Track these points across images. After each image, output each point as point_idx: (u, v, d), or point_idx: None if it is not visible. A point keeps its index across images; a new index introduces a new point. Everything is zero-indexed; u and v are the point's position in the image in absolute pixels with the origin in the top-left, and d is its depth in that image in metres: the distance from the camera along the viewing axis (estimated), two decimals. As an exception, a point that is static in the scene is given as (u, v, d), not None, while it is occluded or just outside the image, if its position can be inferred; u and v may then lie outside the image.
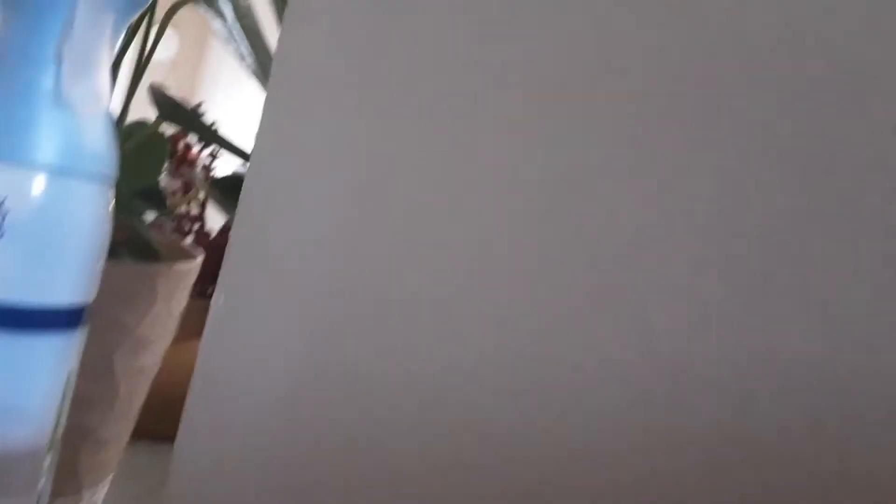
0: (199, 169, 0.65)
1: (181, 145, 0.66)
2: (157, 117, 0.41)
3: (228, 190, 0.44)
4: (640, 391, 0.20)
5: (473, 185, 0.22)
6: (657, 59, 0.20)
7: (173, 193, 0.67)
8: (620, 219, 0.20)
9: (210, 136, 0.40)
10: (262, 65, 0.38)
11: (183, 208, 0.67)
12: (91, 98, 0.30)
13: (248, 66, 0.37)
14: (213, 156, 0.65)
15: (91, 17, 0.30)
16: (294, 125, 0.26)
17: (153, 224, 0.52)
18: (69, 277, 0.31)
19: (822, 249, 0.19)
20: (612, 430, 0.20)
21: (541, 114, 0.21)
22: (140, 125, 0.48)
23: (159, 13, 0.40)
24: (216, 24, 0.37)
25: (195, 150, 0.67)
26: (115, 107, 0.38)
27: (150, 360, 0.44)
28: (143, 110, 0.47)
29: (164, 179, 0.61)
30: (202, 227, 0.66)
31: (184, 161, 0.66)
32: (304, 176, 0.26)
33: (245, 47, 0.36)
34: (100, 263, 0.34)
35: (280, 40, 0.25)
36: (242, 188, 0.26)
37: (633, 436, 0.20)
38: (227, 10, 0.37)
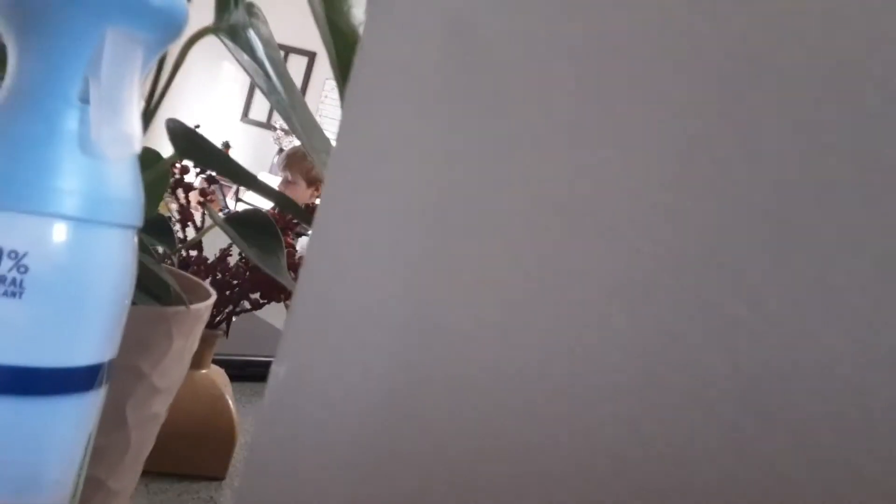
0: (196, 195, 0.63)
1: (177, 167, 0.63)
2: (175, 153, 0.39)
3: (246, 227, 0.42)
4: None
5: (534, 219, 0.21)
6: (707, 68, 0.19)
7: (169, 219, 0.64)
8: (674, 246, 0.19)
9: (233, 172, 0.37)
10: (290, 98, 0.35)
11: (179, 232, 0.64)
12: (121, 141, 0.28)
13: (274, 101, 0.35)
14: (212, 179, 0.63)
15: (120, 52, 0.28)
16: (361, 185, 0.24)
17: (160, 256, 0.50)
18: (93, 335, 0.29)
19: (852, 261, 0.18)
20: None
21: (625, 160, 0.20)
22: (150, 155, 0.45)
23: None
24: (241, 57, 0.35)
25: (192, 173, 0.65)
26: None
27: (162, 407, 0.42)
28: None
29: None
30: (200, 252, 0.63)
31: (180, 184, 0.64)
32: (370, 238, 0.24)
33: (276, 82, 0.34)
34: (124, 316, 0.31)
35: (347, 98, 0.23)
36: (307, 252, 0.24)
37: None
38: (256, 43, 0.35)
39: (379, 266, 0.24)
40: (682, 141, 0.20)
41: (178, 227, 0.64)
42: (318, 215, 0.24)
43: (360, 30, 0.32)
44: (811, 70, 0.19)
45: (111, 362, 0.32)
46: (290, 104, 0.35)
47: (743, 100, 0.19)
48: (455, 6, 0.23)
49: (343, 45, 0.31)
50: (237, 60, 0.36)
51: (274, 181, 4.18)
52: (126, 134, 0.28)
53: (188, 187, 0.63)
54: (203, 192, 0.62)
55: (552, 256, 0.21)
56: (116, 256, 0.29)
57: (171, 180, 0.62)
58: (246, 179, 0.38)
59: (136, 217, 0.30)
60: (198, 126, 0.66)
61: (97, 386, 0.30)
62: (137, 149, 0.29)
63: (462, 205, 0.23)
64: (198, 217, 0.63)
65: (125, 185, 0.29)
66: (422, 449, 0.23)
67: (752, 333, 0.19)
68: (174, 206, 0.64)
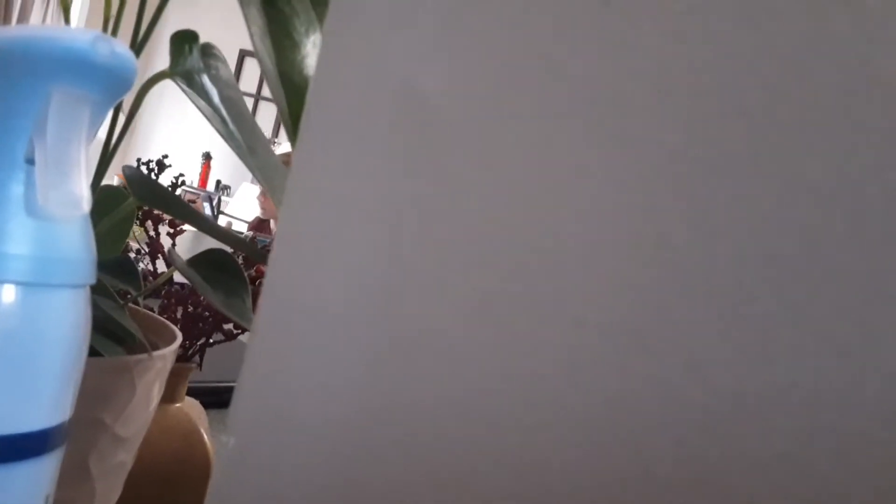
0: (166, 226, 0.62)
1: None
2: (132, 200, 0.38)
3: (208, 268, 0.41)
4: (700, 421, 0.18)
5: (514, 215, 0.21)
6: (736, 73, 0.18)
7: (138, 252, 0.63)
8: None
9: (193, 219, 0.37)
10: (250, 144, 0.35)
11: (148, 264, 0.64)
12: (68, 203, 0.27)
13: (234, 146, 0.34)
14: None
15: (66, 112, 0.27)
16: (309, 247, 0.23)
17: (122, 295, 0.49)
18: (45, 398, 0.28)
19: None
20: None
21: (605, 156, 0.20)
22: (110, 195, 0.45)
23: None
24: (198, 102, 0.34)
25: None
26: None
27: (127, 455, 0.41)
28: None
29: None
30: (171, 284, 0.63)
31: (149, 216, 0.63)
32: (319, 306, 0.23)
33: (233, 125, 0.34)
34: (79, 374, 0.31)
35: (296, 153, 0.23)
36: (255, 318, 0.23)
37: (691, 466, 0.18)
38: (211, 88, 0.34)
39: (327, 331, 0.23)
40: (633, 210, 0.19)
41: (147, 259, 0.63)
42: (267, 278, 0.24)
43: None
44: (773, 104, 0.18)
45: (69, 421, 0.31)
46: (247, 147, 0.35)
47: (697, 174, 0.19)
48: (405, 69, 0.23)
49: (295, 98, 0.31)
50: (195, 105, 0.36)
51: (255, 191, 4.16)
52: (73, 195, 0.27)
53: (157, 219, 0.62)
54: (172, 224, 0.61)
55: (494, 320, 0.21)
56: (66, 316, 0.28)
57: (140, 213, 0.62)
58: (197, 220, 0.37)
59: (87, 275, 0.29)
60: (165, 156, 0.65)
61: (52, 448, 0.30)
62: (86, 209, 0.28)
63: (408, 271, 0.22)
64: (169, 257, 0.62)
65: (74, 245, 0.28)
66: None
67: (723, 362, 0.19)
68: (144, 240, 0.64)
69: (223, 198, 4.82)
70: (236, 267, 0.43)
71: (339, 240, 0.23)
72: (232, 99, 0.37)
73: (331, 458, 0.23)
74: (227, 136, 0.35)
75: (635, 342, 0.19)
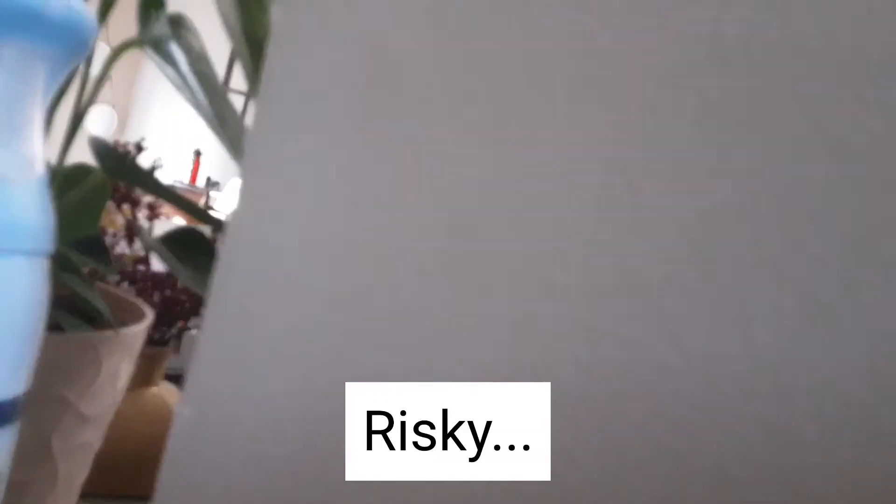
0: (142, 212, 0.61)
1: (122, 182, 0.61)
2: (99, 172, 0.37)
3: (179, 246, 0.40)
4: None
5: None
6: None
7: (115, 235, 0.62)
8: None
9: (162, 193, 0.36)
10: (220, 114, 0.34)
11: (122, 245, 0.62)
12: (19, 164, 0.26)
13: (204, 116, 0.33)
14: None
15: (17, 68, 0.26)
16: (269, 210, 0.22)
17: (93, 273, 0.48)
18: (1, 371, 0.27)
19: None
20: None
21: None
22: (81, 171, 0.43)
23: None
24: (167, 71, 0.33)
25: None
26: (52, 156, 0.34)
27: (93, 435, 0.40)
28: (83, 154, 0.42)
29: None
30: (147, 268, 0.61)
31: (126, 199, 0.62)
32: (279, 271, 0.22)
33: (202, 96, 0.33)
34: (36, 346, 0.30)
35: (256, 114, 0.22)
36: (212, 286, 0.22)
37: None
38: (180, 56, 0.33)
39: (288, 300, 0.22)
40: (604, 166, 0.18)
41: (124, 242, 0.62)
42: (224, 244, 0.23)
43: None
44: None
45: (25, 396, 0.30)
46: (218, 120, 0.33)
47: (668, 124, 0.18)
48: (368, 24, 0.22)
49: (259, 56, 0.30)
50: (164, 74, 0.34)
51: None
52: (26, 155, 0.26)
53: (135, 201, 0.61)
54: (151, 206, 0.60)
55: (468, 285, 0.20)
56: (19, 285, 0.27)
57: (117, 195, 0.60)
58: (173, 198, 0.36)
59: (43, 242, 0.28)
60: (143, 139, 0.64)
61: (6, 422, 0.28)
62: (40, 171, 0.27)
63: (374, 237, 0.21)
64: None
65: (29, 210, 0.27)
66: (339, 498, 0.21)
67: (677, 374, 0.18)
68: (121, 222, 0.62)
69: (213, 193, 4.79)
70: (208, 245, 0.41)
71: (301, 204, 0.22)
72: (203, 73, 0.36)
73: (293, 428, 0.22)
74: (197, 107, 0.34)
75: (609, 305, 0.18)
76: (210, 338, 0.23)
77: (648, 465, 0.18)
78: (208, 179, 5.30)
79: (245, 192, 0.23)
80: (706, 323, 0.17)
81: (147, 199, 0.63)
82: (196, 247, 0.41)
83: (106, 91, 0.36)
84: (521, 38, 0.19)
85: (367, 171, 0.21)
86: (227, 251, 0.23)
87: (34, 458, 0.36)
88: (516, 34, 0.19)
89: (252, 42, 0.30)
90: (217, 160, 4.95)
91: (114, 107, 4.71)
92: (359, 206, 0.21)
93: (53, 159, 0.42)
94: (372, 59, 0.21)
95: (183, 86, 0.33)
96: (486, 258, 0.20)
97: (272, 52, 0.22)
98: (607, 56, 0.18)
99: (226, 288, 0.23)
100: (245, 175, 0.23)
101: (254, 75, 0.30)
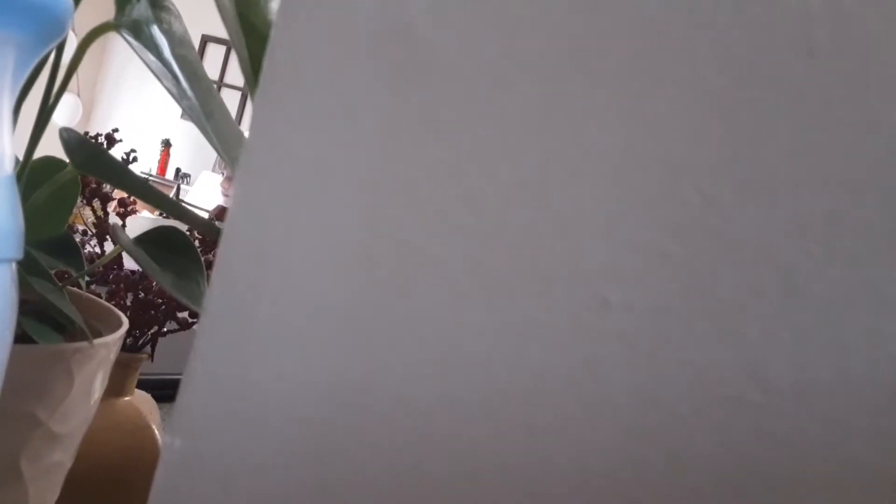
0: (115, 205, 0.57)
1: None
2: (70, 167, 0.34)
3: (156, 247, 0.37)
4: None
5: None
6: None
7: (84, 233, 0.59)
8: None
9: (140, 190, 0.33)
10: (205, 104, 0.31)
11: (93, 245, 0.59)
12: (-14, 160, 0.23)
13: (187, 107, 0.30)
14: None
15: (-16, 55, 0.23)
16: (272, 215, 0.20)
17: (63, 276, 0.44)
18: (-39, 390, 0.24)
19: None
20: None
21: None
22: (48, 166, 0.40)
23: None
24: (147, 57, 0.30)
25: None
26: (19, 150, 0.31)
27: (65, 454, 0.37)
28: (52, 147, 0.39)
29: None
30: (120, 269, 0.58)
31: (96, 194, 0.58)
32: (283, 282, 0.20)
33: (185, 83, 0.30)
34: (4, 359, 0.27)
35: (256, 107, 0.19)
36: (206, 298, 0.19)
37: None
38: (161, 41, 0.30)
39: (293, 313, 0.20)
40: (669, 168, 0.16)
41: (95, 241, 0.58)
42: (219, 256, 0.20)
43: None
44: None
45: (-9, 415, 0.27)
46: (203, 110, 0.31)
47: (747, 122, 0.16)
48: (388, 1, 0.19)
49: (256, 43, 0.27)
50: (142, 60, 0.31)
51: (216, 180, 4.07)
52: (-8, 151, 0.23)
53: (105, 198, 0.57)
54: (123, 202, 0.57)
55: (496, 301, 0.18)
56: (-14, 296, 0.24)
57: (87, 190, 0.57)
58: (152, 196, 0.33)
59: (11, 249, 0.25)
60: (116, 130, 0.60)
61: (-31, 449, 0.25)
62: (8, 168, 0.24)
63: (395, 233, 0.19)
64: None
65: (-6, 213, 0.24)
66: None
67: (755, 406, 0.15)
68: (90, 219, 0.59)
69: (183, 186, 4.70)
70: (190, 246, 0.38)
71: (309, 206, 0.20)
72: (186, 58, 0.33)
73: (295, 462, 0.19)
74: (180, 97, 0.31)
75: (669, 324, 0.16)
76: (204, 357, 0.20)
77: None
78: (178, 171, 5.20)
79: (244, 194, 0.20)
80: (791, 350, 0.15)
81: (119, 194, 0.59)
82: (176, 248, 0.38)
83: (72, 80, 0.33)
84: (571, 15, 0.17)
85: (387, 168, 0.19)
86: (224, 260, 0.20)
87: (2, 479, 0.33)
88: (564, 11, 0.17)
89: (247, 27, 0.27)
90: (187, 151, 4.86)
91: (79, 96, 4.60)
92: (377, 208, 0.19)
93: (20, 154, 0.38)
94: (395, 38, 0.18)
95: (165, 73, 0.30)
96: (524, 269, 0.17)
97: (277, 31, 0.20)
98: (675, 41, 0.16)
99: (222, 301, 0.20)
100: (244, 173, 0.20)
101: (248, 59, 0.27)
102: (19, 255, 0.26)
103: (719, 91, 0.15)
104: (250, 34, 0.28)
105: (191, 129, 5.06)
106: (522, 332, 0.17)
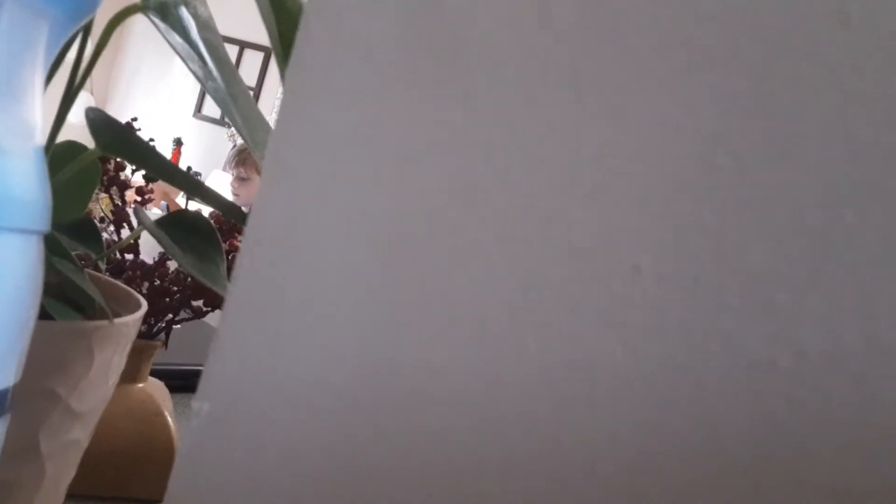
0: (133, 193, 0.58)
1: (111, 163, 0.58)
2: (96, 148, 0.34)
3: (177, 230, 0.38)
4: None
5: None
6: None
7: (102, 220, 0.59)
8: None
9: (168, 171, 0.33)
10: (230, 87, 0.31)
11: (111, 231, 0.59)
12: (17, 132, 0.24)
13: (213, 90, 0.30)
14: (150, 177, 0.58)
15: (20, 28, 0.23)
16: (303, 185, 0.20)
17: (84, 260, 0.45)
18: (-11, 359, 0.25)
19: None
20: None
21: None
22: (70, 149, 0.41)
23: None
24: (173, 39, 0.30)
25: (128, 168, 0.60)
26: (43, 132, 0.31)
27: (82, 432, 0.37)
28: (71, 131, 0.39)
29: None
30: (136, 256, 0.58)
31: (114, 182, 0.59)
32: (313, 249, 0.20)
33: (212, 66, 0.30)
34: (28, 333, 0.27)
35: (288, 81, 0.19)
36: (236, 267, 0.20)
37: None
38: (189, 22, 0.31)
39: (324, 283, 0.20)
40: (705, 138, 0.16)
41: (112, 228, 0.59)
42: (251, 220, 0.20)
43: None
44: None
45: (15, 387, 0.27)
46: (228, 92, 0.31)
47: (782, 92, 0.16)
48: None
49: (286, 23, 0.27)
50: (168, 42, 0.32)
51: (227, 179, 4.08)
52: (26, 123, 0.24)
53: (123, 185, 0.58)
54: (140, 191, 0.57)
55: (528, 274, 0.18)
56: (14, 266, 0.24)
57: (105, 177, 0.57)
58: (179, 178, 0.33)
59: (40, 221, 0.25)
60: (135, 119, 0.61)
61: (-6, 418, 0.26)
62: (39, 140, 0.24)
63: (423, 206, 0.19)
64: (134, 218, 0.58)
65: (25, 184, 0.24)
66: (363, 500, 0.19)
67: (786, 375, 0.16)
68: (108, 207, 0.59)
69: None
70: (210, 230, 0.39)
71: (339, 179, 0.20)
72: (211, 41, 0.34)
73: (322, 429, 0.19)
74: (206, 78, 0.31)
75: (701, 293, 0.16)
76: (232, 325, 0.20)
77: (751, 479, 0.16)
78: (189, 169, 5.22)
79: (275, 167, 0.20)
80: (823, 317, 0.15)
81: (137, 182, 0.60)
82: (197, 231, 0.38)
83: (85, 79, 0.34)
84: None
85: (419, 142, 0.19)
86: (254, 231, 0.21)
87: (21, 455, 0.33)
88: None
89: (277, 6, 0.28)
90: (198, 150, 4.88)
91: (92, 94, 4.63)
92: (408, 187, 0.19)
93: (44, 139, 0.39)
94: (428, 10, 0.18)
95: (191, 54, 0.30)
96: (554, 241, 0.17)
97: (309, 5, 0.20)
98: (710, 12, 0.16)
99: (252, 270, 0.20)
100: (276, 147, 0.21)
101: (280, 43, 0.27)
102: (47, 228, 0.26)
103: (754, 61, 0.16)
104: (280, 11, 0.28)
105: (202, 128, 5.08)
106: (553, 303, 0.17)
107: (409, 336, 0.19)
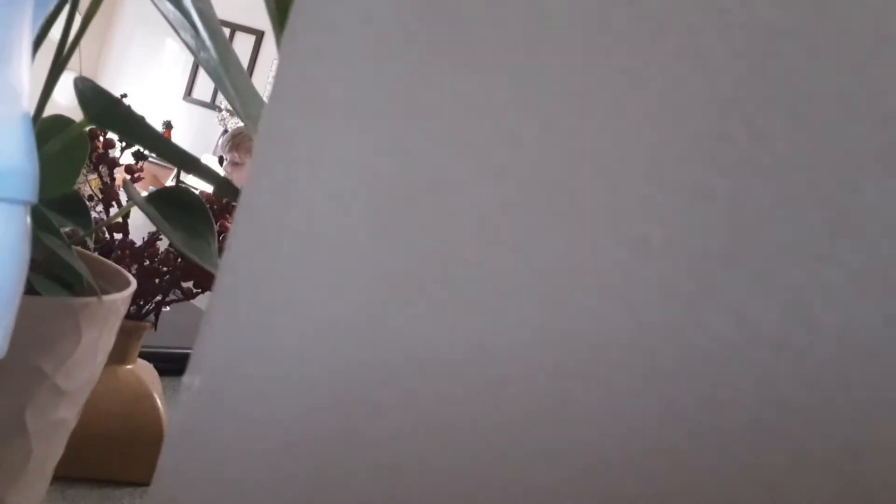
0: (122, 172, 0.57)
1: (100, 140, 0.57)
2: (85, 119, 0.33)
3: (168, 206, 0.37)
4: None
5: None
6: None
7: (90, 199, 0.58)
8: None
9: (158, 144, 0.32)
10: (223, 57, 0.30)
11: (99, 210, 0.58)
12: (5, 95, 0.23)
13: (205, 61, 0.30)
14: (140, 155, 0.57)
15: (4, -11, 0.22)
16: (299, 156, 0.19)
17: (72, 237, 0.44)
18: (-28, 332, 0.24)
19: None
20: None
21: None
22: (57, 123, 0.40)
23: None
24: (166, 7, 0.29)
25: (117, 146, 0.59)
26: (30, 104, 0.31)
27: (69, 411, 0.36)
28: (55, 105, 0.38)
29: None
30: (125, 236, 0.58)
31: (103, 160, 0.58)
32: (308, 223, 0.19)
33: (205, 36, 0.29)
34: (15, 307, 0.26)
35: (284, 48, 0.19)
36: (228, 241, 0.19)
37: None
38: (181, -10, 0.30)
39: (318, 253, 0.19)
40: (711, 108, 0.16)
41: (101, 207, 0.58)
42: (244, 191, 0.19)
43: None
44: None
45: (0, 363, 0.26)
46: (221, 63, 0.30)
47: (797, 57, 0.15)
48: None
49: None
50: (160, 11, 0.31)
51: (216, 163, 4.06)
52: (12, 87, 0.23)
53: (112, 163, 0.57)
54: (129, 169, 0.56)
55: (531, 242, 0.17)
56: (2, 233, 0.24)
57: (94, 155, 0.56)
58: (171, 152, 0.32)
59: (27, 190, 0.24)
60: (124, 96, 0.59)
61: (-23, 394, 0.25)
62: (26, 105, 0.23)
63: (428, 174, 0.18)
64: (124, 197, 0.57)
65: (10, 151, 0.23)
66: (359, 476, 0.19)
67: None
68: (97, 186, 0.58)
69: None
70: (201, 206, 0.38)
71: (337, 144, 0.19)
72: (204, 11, 0.33)
73: (319, 401, 0.19)
74: (198, 49, 0.30)
75: (712, 265, 0.16)
76: (226, 296, 0.20)
77: (759, 461, 0.15)
78: (177, 154, 5.18)
79: (270, 131, 0.20)
80: (839, 292, 0.15)
81: (126, 160, 0.59)
82: (187, 207, 0.38)
83: (73, 58, 0.33)
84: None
85: (420, 107, 0.18)
86: (247, 201, 0.20)
87: (6, 433, 0.33)
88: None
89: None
90: (188, 133, 4.85)
91: (81, 73, 4.58)
92: (407, 153, 0.18)
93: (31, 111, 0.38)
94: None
95: (184, 23, 0.29)
96: (561, 209, 0.17)
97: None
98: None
99: (245, 239, 0.20)
100: (269, 119, 0.20)
101: (275, 7, 0.27)
102: (34, 199, 0.25)
103: (770, 22, 0.15)
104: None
105: (192, 111, 5.05)
106: (557, 273, 0.17)
107: (405, 306, 0.18)
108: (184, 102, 5.07)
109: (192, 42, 0.30)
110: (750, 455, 0.16)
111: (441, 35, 0.18)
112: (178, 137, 5.06)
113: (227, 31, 4.75)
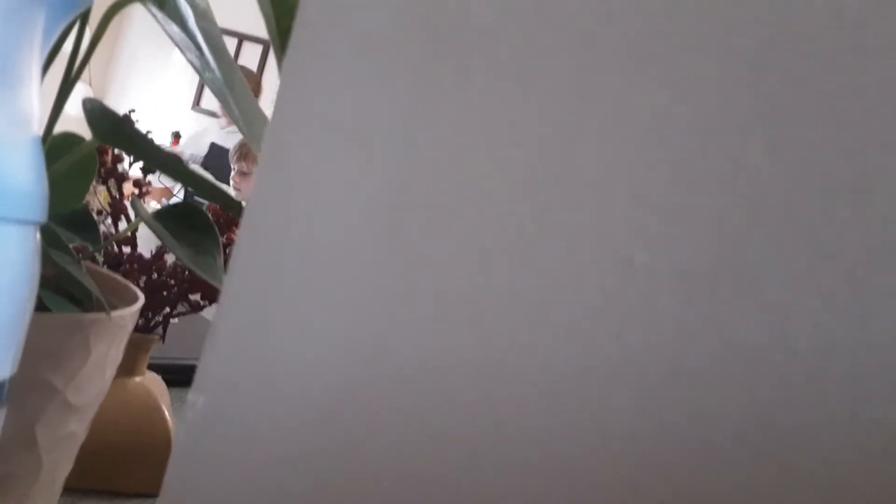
0: (130, 186, 0.58)
1: (108, 156, 0.58)
2: (93, 139, 0.34)
3: (175, 222, 0.38)
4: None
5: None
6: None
7: (99, 213, 0.59)
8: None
9: (161, 162, 0.33)
10: (227, 77, 0.31)
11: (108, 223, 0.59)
12: (13, 121, 0.23)
13: (210, 80, 0.30)
14: (147, 169, 0.58)
15: (15, 15, 0.23)
16: (301, 174, 0.20)
17: (81, 252, 0.45)
18: (-16, 350, 0.25)
19: None
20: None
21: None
22: (67, 140, 0.41)
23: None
24: (171, 28, 0.30)
25: (126, 162, 0.60)
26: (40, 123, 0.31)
27: (79, 425, 0.37)
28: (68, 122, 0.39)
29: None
30: (133, 250, 0.58)
31: (112, 174, 0.59)
32: (311, 239, 0.20)
33: (209, 56, 0.30)
34: (25, 324, 0.27)
35: (285, 68, 0.19)
36: (231, 259, 0.20)
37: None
38: (186, 12, 0.31)
39: (321, 272, 0.20)
40: (693, 134, 0.16)
41: (110, 221, 0.59)
42: (247, 210, 0.20)
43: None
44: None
45: (12, 379, 0.27)
46: (225, 83, 0.31)
47: (756, 77, 0.16)
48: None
49: (283, 8, 0.27)
50: (165, 32, 0.32)
51: (229, 173, 4.07)
52: (22, 112, 0.24)
53: (121, 178, 0.57)
54: (137, 183, 0.57)
55: (528, 257, 0.18)
56: (10, 257, 0.24)
57: (102, 170, 0.57)
58: (176, 170, 0.33)
59: (37, 211, 0.25)
60: (132, 111, 0.60)
61: (-10, 409, 0.26)
62: (36, 130, 0.24)
63: (424, 195, 0.19)
64: (132, 211, 0.58)
65: (21, 174, 0.24)
66: (359, 488, 0.19)
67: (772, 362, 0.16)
68: (106, 200, 0.59)
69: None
70: (208, 223, 0.39)
71: (336, 164, 0.20)
72: (209, 31, 0.34)
73: (317, 421, 0.19)
74: (203, 69, 0.31)
75: (695, 286, 0.16)
76: (228, 316, 0.20)
77: (743, 472, 0.16)
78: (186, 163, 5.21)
79: (273, 151, 0.20)
80: (816, 312, 0.15)
81: (134, 176, 0.60)
82: (194, 224, 0.38)
83: (83, 70, 0.34)
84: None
85: (415, 128, 0.19)
86: (251, 221, 0.20)
87: (17, 448, 0.33)
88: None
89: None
90: (196, 143, 4.88)
91: (90, 85, 4.62)
92: (405, 166, 0.19)
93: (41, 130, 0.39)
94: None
95: (188, 44, 0.30)
96: (549, 230, 0.17)
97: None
98: (706, 4, 0.16)
99: (248, 257, 0.20)
100: (271, 139, 0.21)
101: (276, 29, 0.27)
102: (43, 219, 0.26)
103: (749, 53, 0.16)
104: (278, 0, 0.28)
105: (200, 121, 5.08)
106: (546, 292, 0.17)
107: (404, 326, 0.19)
108: (192, 112, 5.10)
109: (197, 62, 0.31)
110: (735, 469, 0.16)
111: (437, 61, 0.18)
112: (186, 147, 5.09)
113: (234, 41, 4.79)
